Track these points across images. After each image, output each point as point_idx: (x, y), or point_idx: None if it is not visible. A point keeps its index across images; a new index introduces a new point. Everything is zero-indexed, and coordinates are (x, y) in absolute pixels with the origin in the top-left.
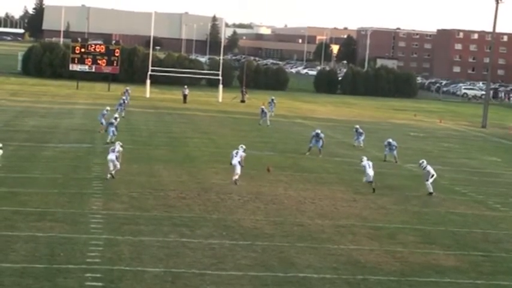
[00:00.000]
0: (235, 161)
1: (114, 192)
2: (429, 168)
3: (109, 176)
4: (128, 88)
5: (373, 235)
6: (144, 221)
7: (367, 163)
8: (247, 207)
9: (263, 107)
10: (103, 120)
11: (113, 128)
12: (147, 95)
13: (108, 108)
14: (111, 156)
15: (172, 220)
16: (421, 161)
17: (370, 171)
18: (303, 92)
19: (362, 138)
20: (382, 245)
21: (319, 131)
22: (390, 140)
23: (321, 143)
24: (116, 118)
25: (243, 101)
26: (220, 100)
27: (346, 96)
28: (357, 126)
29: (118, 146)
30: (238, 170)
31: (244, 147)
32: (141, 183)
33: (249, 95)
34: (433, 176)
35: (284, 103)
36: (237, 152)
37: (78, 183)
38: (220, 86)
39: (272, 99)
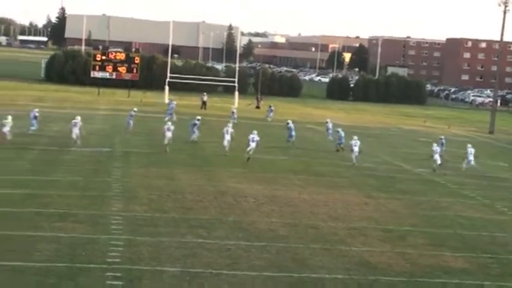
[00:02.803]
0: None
1: (133, 195)
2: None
3: (167, 149)
4: (171, 99)
5: (384, 237)
6: (162, 222)
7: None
8: (263, 209)
9: (234, 110)
10: (131, 121)
11: (195, 128)
12: (166, 101)
13: (136, 109)
14: (169, 134)
15: (190, 222)
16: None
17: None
18: (315, 98)
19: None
20: (393, 247)
21: (289, 121)
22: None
23: (293, 133)
24: (198, 119)
25: (257, 107)
26: (236, 106)
27: (357, 102)
28: (328, 119)
29: (171, 125)
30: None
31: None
32: (160, 187)
33: (264, 102)
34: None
35: (297, 109)
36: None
37: (99, 186)
38: (236, 93)
39: (270, 106)
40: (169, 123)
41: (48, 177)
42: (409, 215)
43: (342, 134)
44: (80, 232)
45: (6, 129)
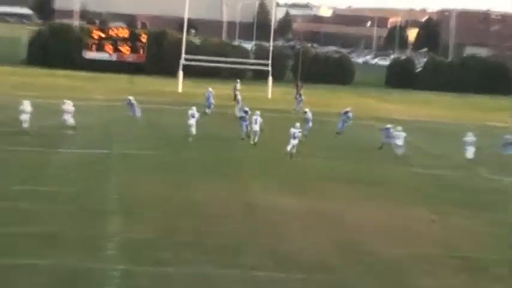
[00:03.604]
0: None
1: (135, 210)
2: None
3: (190, 139)
4: (210, 89)
5: (460, 267)
6: (171, 246)
7: None
8: (302, 229)
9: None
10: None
11: (246, 123)
12: (179, 90)
13: (131, 97)
14: (192, 121)
15: (207, 246)
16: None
17: None
18: (371, 86)
19: (346, 124)
20: (472, 281)
21: (307, 110)
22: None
23: (310, 124)
24: (246, 112)
25: None
26: (269, 96)
27: (425, 92)
28: (348, 108)
29: (195, 111)
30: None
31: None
32: (170, 198)
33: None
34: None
35: (348, 100)
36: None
37: (92, 198)
38: (270, 79)
39: (300, 95)
40: (194, 108)
41: (32, 187)
42: (491, 237)
43: (391, 131)
44: (67, 260)
45: (23, 117)
